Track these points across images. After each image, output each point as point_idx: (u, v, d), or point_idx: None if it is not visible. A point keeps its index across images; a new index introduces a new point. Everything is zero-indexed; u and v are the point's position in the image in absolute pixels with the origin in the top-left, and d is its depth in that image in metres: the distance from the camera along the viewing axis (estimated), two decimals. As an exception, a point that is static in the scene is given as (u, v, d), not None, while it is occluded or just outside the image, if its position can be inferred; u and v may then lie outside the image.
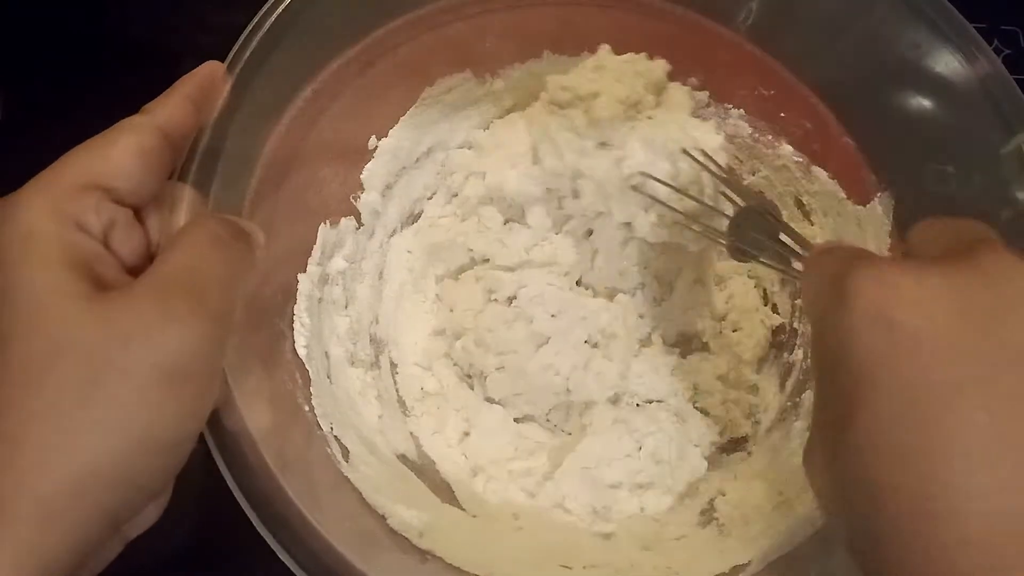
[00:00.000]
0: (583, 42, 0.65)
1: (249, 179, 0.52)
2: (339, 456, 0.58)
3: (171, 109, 0.44)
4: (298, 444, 0.55)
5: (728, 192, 0.57)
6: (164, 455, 0.38)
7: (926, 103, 0.56)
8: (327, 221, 0.64)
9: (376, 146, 0.66)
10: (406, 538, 0.56)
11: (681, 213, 0.60)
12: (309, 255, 0.63)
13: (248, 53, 0.49)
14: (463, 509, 0.64)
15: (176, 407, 0.37)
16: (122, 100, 0.71)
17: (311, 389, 0.59)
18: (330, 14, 0.53)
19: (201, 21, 0.76)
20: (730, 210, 0.56)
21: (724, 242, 0.57)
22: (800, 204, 0.70)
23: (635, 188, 0.62)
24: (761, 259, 0.54)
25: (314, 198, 0.62)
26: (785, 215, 0.71)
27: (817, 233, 0.69)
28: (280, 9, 0.51)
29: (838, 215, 0.66)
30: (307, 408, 0.58)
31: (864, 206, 0.63)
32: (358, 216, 0.67)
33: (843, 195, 0.65)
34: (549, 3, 0.63)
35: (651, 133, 0.61)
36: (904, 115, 0.57)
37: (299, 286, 0.61)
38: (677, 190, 0.59)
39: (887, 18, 0.55)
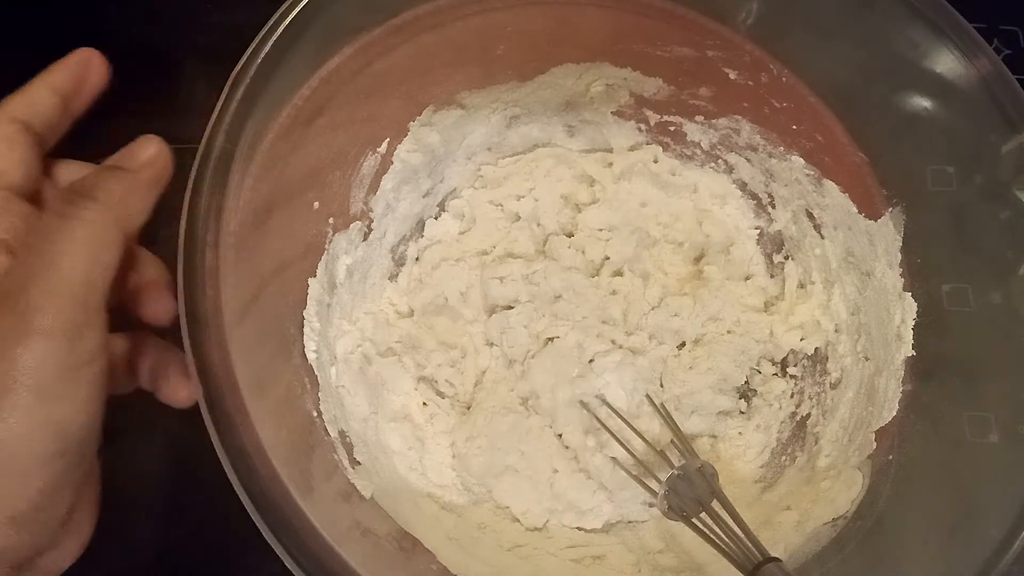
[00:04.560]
0: (584, 43, 0.66)
1: (261, 180, 0.53)
2: (346, 463, 0.59)
3: (30, 99, 0.46)
4: (305, 450, 0.56)
5: (678, 444, 0.62)
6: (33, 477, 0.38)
7: (926, 103, 0.57)
8: (336, 225, 0.65)
9: (384, 151, 0.67)
10: (411, 545, 0.58)
11: (622, 446, 0.63)
12: (319, 259, 0.64)
13: (260, 57, 0.51)
14: (460, 516, 0.65)
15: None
16: (122, 100, 0.72)
17: (319, 394, 0.60)
18: (334, 14, 0.53)
19: (201, 21, 0.77)
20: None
21: (656, 500, 0.60)
22: (811, 217, 0.71)
23: (583, 405, 0.66)
24: (692, 521, 0.57)
25: (321, 201, 0.63)
26: (795, 230, 0.71)
27: (828, 247, 0.70)
28: (294, 13, 0.52)
29: (848, 229, 0.68)
30: (315, 413, 0.59)
31: (875, 220, 0.64)
32: (368, 221, 0.69)
33: (854, 209, 0.66)
34: (549, 3, 0.64)
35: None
36: (904, 115, 0.59)
37: (309, 290, 0.62)
38: (626, 421, 0.64)
39: (887, 18, 0.57)
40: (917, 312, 0.62)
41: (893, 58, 0.57)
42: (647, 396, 0.67)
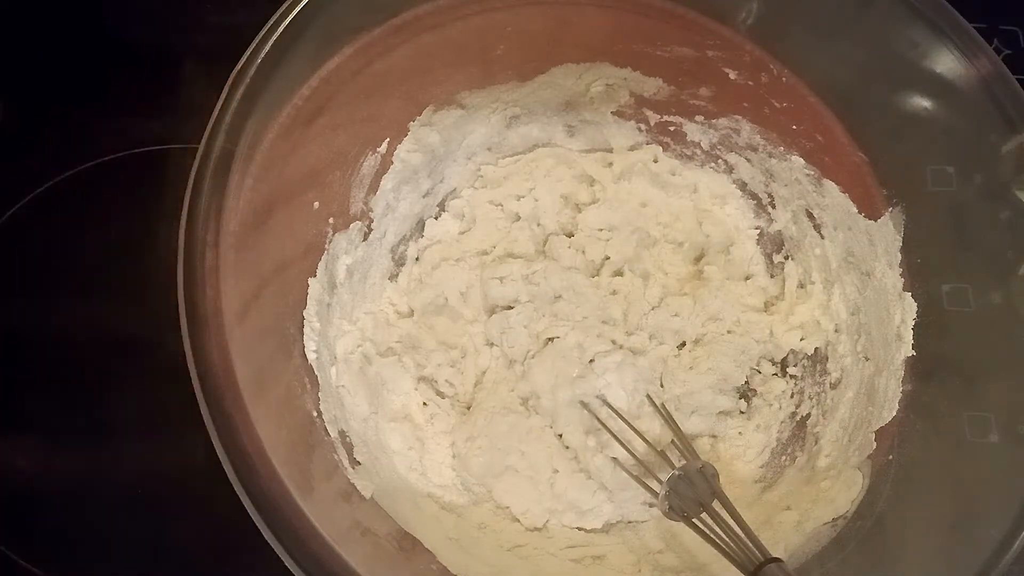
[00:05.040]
0: (584, 43, 0.66)
1: (261, 180, 0.53)
2: (346, 463, 0.59)
3: None
4: (305, 450, 0.56)
5: (678, 445, 0.62)
6: None
7: (926, 103, 0.57)
8: (336, 225, 0.65)
9: (384, 151, 0.67)
10: (411, 545, 0.58)
11: (623, 447, 0.63)
12: (319, 259, 0.64)
13: (260, 57, 0.51)
14: (460, 515, 0.65)
15: None
16: (122, 100, 0.72)
17: (319, 394, 0.60)
18: (334, 14, 0.53)
19: (201, 21, 0.77)
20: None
21: (656, 501, 0.60)
22: (811, 217, 0.71)
23: (584, 405, 0.66)
24: (693, 521, 0.57)
25: (321, 201, 0.63)
26: (795, 230, 0.72)
27: (828, 247, 0.70)
28: (294, 13, 0.52)
29: (848, 229, 0.68)
30: (315, 413, 0.59)
31: (875, 221, 0.64)
32: (368, 221, 0.69)
33: (854, 209, 0.66)
34: (549, 3, 0.64)
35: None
36: (904, 115, 0.59)
37: (309, 290, 0.62)
38: (626, 422, 0.64)
39: (887, 18, 0.56)
40: (917, 312, 0.62)
41: (893, 58, 0.57)
42: (647, 396, 0.67)
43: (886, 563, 0.56)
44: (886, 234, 0.64)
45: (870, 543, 0.57)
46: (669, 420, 0.65)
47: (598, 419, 0.65)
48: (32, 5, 0.77)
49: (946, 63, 0.55)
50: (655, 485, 0.61)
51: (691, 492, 0.58)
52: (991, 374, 0.56)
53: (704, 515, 0.57)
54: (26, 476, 0.63)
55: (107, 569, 0.61)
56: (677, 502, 0.58)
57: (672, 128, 0.74)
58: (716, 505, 0.57)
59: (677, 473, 0.59)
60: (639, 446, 0.64)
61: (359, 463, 0.60)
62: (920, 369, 0.61)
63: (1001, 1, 0.85)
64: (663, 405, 0.67)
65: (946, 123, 0.57)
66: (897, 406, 0.61)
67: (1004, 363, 0.55)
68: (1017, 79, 0.54)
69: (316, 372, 0.60)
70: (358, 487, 0.58)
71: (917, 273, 0.61)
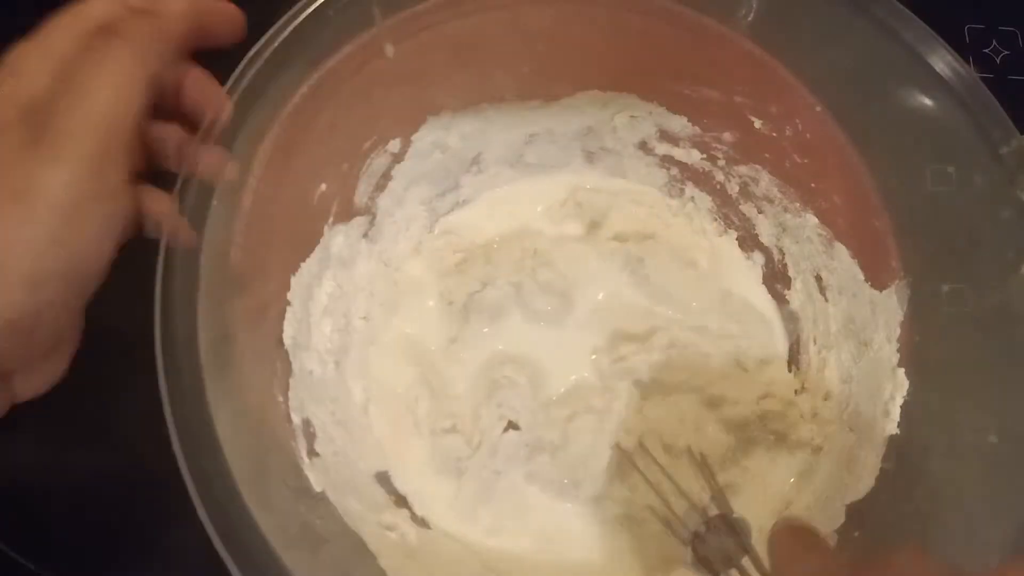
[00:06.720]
0: (611, 72, 0.67)
1: (261, 180, 0.53)
2: (303, 453, 0.58)
3: None
4: (264, 435, 0.55)
5: (712, 495, 0.61)
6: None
7: (926, 103, 0.56)
8: (335, 227, 0.65)
9: (385, 154, 0.67)
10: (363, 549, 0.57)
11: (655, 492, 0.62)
12: (317, 260, 0.64)
13: (261, 57, 0.52)
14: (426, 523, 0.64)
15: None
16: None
17: (290, 380, 0.60)
18: (334, 14, 0.54)
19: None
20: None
21: (688, 546, 0.59)
22: (818, 279, 0.70)
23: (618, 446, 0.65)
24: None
25: (321, 203, 0.64)
26: (799, 284, 0.71)
27: (830, 311, 0.69)
28: (295, 13, 0.53)
29: (853, 296, 0.66)
30: (281, 399, 0.59)
31: (881, 291, 0.63)
32: (367, 228, 0.69)
33: (862, 277, 0.65)
34: (548, 1, 0.63)
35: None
36: (904, 115, 0.58)
37: (295, 278, 0.62)
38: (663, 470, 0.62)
39: (886, 18, 0.56)
40: (917, 313, 0.60)
41: (893, 58, 0.57)
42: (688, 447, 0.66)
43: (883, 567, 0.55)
44: (889, 306, 0.62)
45: (870, 547, 0.56)
46: (704, 469, 0.63)
47: (636, 466, 0.64)
48: (32, 5, 0.77)
49: (946, 63, 0.55)
50: (683, 534, 0.60)
51: (720, 545, 0.58)
52: (991, 374, 0.56)
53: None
54: (26, 476, 0.63)
55: (107, 569, 0.61)
56: (704, 552, 0.58)
57: (695, 169, 0.74)
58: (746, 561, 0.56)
59: (707, 524, 0.58)
60: (671, 495, 0.62)
61: (317, 454, 0.59)
62: (920, 369, 0.60)
63: (1001, 1, 0.85)
64: (700, 454, 0.65)
65: (946, 123, 0.56)
66: (873, 482, 0.60)
67: (1004, 363, 0.55)
68: (1016, 80, 0.53)
69: (291, 359, 0.60)
70: (311, 479, 0.57)
71: (917, 273, 0.61)
